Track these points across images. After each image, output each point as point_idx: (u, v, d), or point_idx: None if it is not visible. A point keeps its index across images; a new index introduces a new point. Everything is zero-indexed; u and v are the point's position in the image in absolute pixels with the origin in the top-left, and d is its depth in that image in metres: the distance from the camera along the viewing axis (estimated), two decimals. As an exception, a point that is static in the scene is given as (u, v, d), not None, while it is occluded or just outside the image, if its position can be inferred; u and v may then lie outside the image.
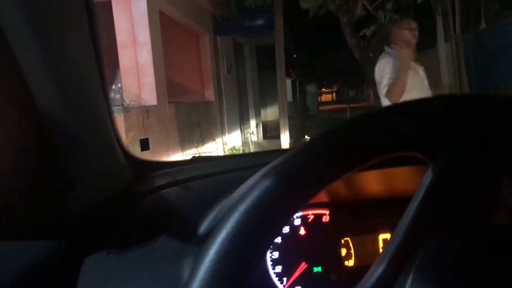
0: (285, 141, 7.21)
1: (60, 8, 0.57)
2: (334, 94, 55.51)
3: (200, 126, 5.95)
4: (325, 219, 0.72)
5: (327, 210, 0.73)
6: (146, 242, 0.60)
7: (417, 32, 2.98)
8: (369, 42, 5.23)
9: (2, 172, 0.54)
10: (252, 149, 9.27)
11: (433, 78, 6.28)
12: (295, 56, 11.95)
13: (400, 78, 2.84)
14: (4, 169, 0.54)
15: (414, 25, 2.99)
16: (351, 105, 13.84)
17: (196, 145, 5.81)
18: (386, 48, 3.06)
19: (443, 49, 6.93)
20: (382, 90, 2.93)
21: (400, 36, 2.97)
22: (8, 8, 0.49)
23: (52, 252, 0.58)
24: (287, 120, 7.25)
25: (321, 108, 29.59)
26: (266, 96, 13.87)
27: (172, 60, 5.62)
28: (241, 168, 0.80)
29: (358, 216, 0.72)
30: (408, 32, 2.96)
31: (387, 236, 0.72)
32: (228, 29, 7.62)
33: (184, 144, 5.40)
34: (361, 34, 5.16)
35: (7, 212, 0.55)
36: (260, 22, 7.50)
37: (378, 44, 5.09)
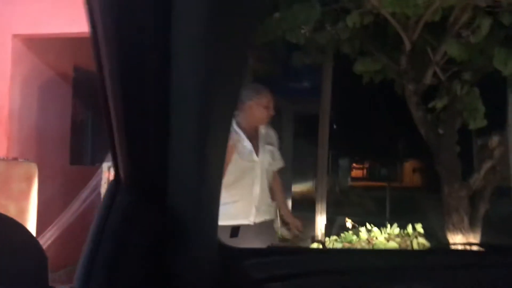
0: (320, 220, 6.24)
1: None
2: (365, 171, 54.62)
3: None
4: None
5: None
6: None
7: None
8: (438, 117, 4.33)
9: (122, 256, 0.55)
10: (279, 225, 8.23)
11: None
12: (334, 127, 11.11)
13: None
14: (125, 255, 0.56)
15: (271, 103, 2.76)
16: (392, 185, 12.81)
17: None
18: None
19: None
20: None
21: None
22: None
23: None
24: (325, 197, 6.32)
25: (353, 184, 28.68)
26: (297, 167, 13.05)
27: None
28: (332, 270, 0.76)
29: None
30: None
31: None
32: (268, 88, 6.89)
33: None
34: (430, 106, 4.27)
35: None
36: (305, 84, 6.76)
37: (450, 119, 4.19)
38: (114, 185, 0.58)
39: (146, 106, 0.52)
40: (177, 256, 0.61)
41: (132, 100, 0.52)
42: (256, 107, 2.75)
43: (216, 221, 0.71)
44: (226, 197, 2.54)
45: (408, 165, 40.45)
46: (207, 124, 0.56)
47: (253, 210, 2.70)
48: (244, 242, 2.55)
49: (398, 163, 41.48)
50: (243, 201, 2.67)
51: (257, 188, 2.72)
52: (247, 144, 2.74)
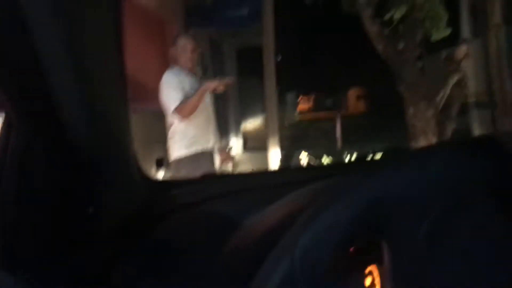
0: (275, 154, 5.81)
1: (93, 35, 0.57)
2: (311, 103, 55.35)
3: (165, 143, 4.46)
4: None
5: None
6: (167, 268, 0.60)
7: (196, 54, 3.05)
8: (396, 29, 3.83)
9: (27, 194, 0.55)
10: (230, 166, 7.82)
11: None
12: (279, 59, 10.52)
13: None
14: (29, 191, 0.55)
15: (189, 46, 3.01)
16: (341, 113, 12.57)
17: (156, 168, 4.32)
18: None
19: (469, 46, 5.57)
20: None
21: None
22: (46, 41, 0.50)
23: (72, 275, 0.57)
24: (276, 130, 5.87)
25: (301, 117, 28.73)
26: (244, 104, 12.54)
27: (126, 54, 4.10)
28: (260, 187, 0.80)
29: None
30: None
31: None
32: (202, 20, 6.10)
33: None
34: (386, 18, 3.75)
35: (28, 231, 0.56)
36: (243, 11, 6.03)
37: (410, 31, 3.71)
38: (7, 127, 0.56)
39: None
40: (90, 192, 0.59)
41: None
42: (178, 52, 3.03)
43: (130, 154, 0.68)
44: (190, 127, 2.99)
45: (352, 93, 41.05)
46: (77, 49, 0.54)
47: (212, 137, 3.19)
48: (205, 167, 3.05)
49: (342, 92, 42.06)
50: (203, 129, 3.09)
51: (212, 118, 3.23)
52: (195, 81, 3.01)
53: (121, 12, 0.58)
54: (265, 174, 1.50)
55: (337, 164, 3.07)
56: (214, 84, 2.95)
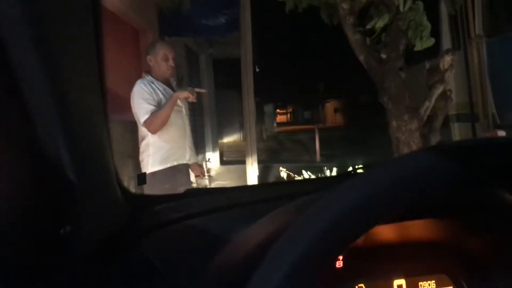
0: (252, 167, 5.61)
1: (71, 45, 0.56)
2: (289, 115, 55.53)
3: (136, 157, 4.21)
4: (339, 264, 0.67)
5: (340, 256, 0.67)
6: (152, 286, 0.59)
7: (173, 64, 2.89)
8: (379, 39, 3.70)
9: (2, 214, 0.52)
10: (207, 180, 7.61)
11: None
12: (257, 70, 10.39)
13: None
14: (4, 212, 0.52)
15: (170, 54, 2.86)
16: (319, 126, 12.48)
17: (138, 183, 4.07)
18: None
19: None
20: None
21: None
22: (20, 49, 0.50)
23: None
24: (254, 144, 5.67)
25: (279, 129, 28.77)
26: (221, 116, 12.35)
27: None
28: (245, 203, 0.80)
29: (372, 261, 0.69)
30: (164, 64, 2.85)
31: (401, 281, 0.68)
32: (178, 28, 5.91)
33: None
34: (368, 26, 3.62)
35: (5, 255, 0.52)
36: (220, 20, 5.87)
37: (393, 40, 3.58)
38: None
39: None
40: (68, 210, 0.58)
41: None
42: (154, 60, 2.84)
43: (110, 169, 0.67)
44: (164, 140, 2.81)
45: (329, 106, 41.29)
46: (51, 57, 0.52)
47: (188, 150, 3.02)
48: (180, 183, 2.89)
49: (320, 105, 42.35)
50: (178, 142, 2.92)
51: (188, 131, 3.03)
52: (169, 91, 2.86)
53: (101, 23, 0.57)
54: (250, 189, 1.50)
55: (322, 178, 3.01)
56: (185, 93, 2.78)
